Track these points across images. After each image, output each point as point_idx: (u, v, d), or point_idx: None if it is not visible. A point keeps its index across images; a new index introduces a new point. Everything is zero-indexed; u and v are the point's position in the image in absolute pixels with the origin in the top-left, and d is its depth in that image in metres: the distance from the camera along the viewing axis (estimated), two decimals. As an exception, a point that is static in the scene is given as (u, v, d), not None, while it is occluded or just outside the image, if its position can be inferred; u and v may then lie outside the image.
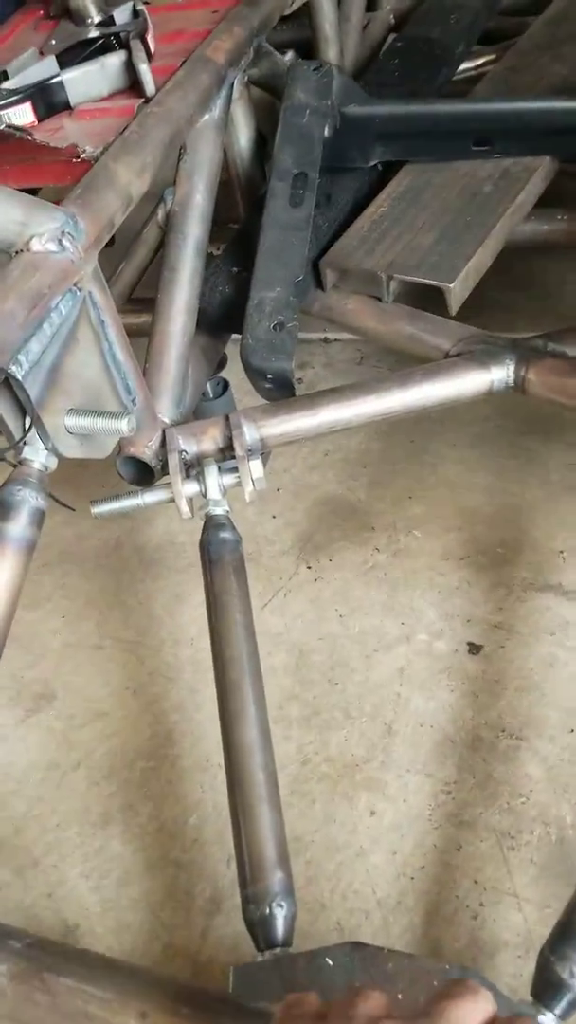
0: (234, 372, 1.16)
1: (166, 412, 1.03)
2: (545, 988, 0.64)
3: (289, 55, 1.52)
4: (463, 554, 1.16)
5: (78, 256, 0.83)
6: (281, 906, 0.69)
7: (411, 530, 1.21)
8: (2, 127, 0.91)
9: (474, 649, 1.06)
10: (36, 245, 0.81)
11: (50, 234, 0.82)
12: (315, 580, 1.17)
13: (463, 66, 1.55)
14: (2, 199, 0.79)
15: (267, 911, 0.70)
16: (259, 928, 0.71)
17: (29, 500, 0.86)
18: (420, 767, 0.97)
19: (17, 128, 0.94)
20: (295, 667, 1.08)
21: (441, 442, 1.32)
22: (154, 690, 1.09)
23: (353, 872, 0.90)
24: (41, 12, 1.36)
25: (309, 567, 1.19)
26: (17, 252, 0.82)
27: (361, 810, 0.95)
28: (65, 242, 0.82)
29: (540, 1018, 0.62)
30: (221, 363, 1.19)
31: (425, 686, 1.04)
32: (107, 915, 0.91)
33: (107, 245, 1.49)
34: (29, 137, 0.93)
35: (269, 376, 1.04)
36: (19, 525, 0.85)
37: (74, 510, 0.96)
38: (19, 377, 0.80)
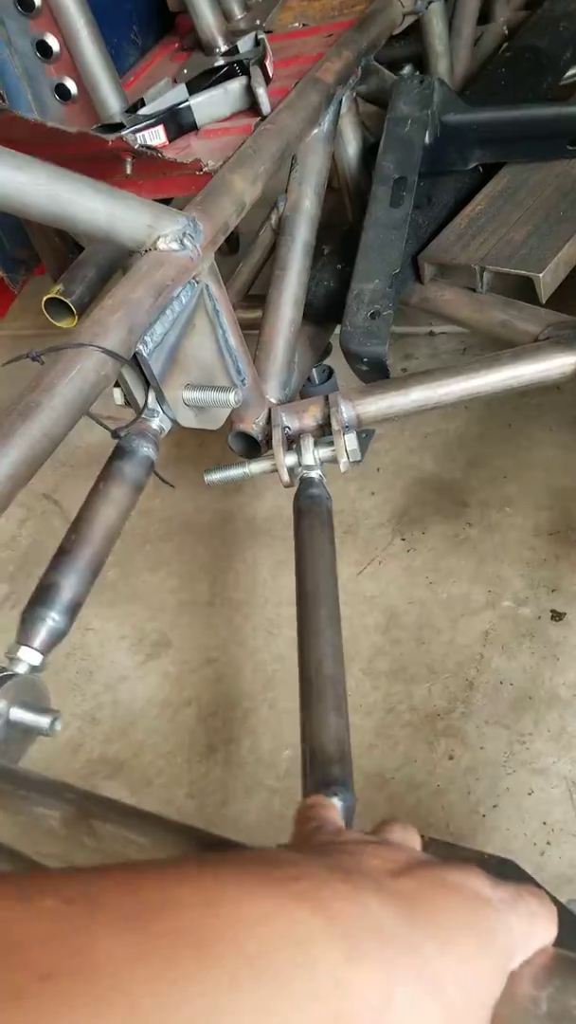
0: (341, 360, 1.27)
1: (273, 393, 1.16)
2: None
3: (406, 69, 1.64)
4: (554, 529, 1.22)
5: (197, 254, 0.98)
6: (336, 794, 0.70)
7: (504, 507, 1.27)
8: (138, 146, 1.07)
9: (557, 616, 1.12)
10: (162, 244, 0.96)
11: (173, 235, 0.96)
12: (408, 550, 1.26)
13: (570, 72, 1.60)
14: (136, 206, 0.94)
15: None
16: None
17: (143, 449, 0.99)
18: (498, 719, 1.04)
19: (150, 147, 1.10)
20: (386, 627, 1.17)
21: (538, 426, 1.37)
22: (257, 642, 1.21)
23: (429, 808, 0.98)
24: (177, 44, 1.55)
25: (403, 539, 1.28)
26: (146, 251, 0.97)
27: (440, 754, 1.03)
28: (186, 242, 0.97)
29: None
30: (326, 351, 1.30)
31: (507, 648, 1.10)
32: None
33: (230, 252, 1.65)
34: (160, 155, 1.09)
35: (365, 360, 1.14)
36: (133, 466, 0.97)
37: (173, 487, 1.10)
38: (145, 355, 0.96)
